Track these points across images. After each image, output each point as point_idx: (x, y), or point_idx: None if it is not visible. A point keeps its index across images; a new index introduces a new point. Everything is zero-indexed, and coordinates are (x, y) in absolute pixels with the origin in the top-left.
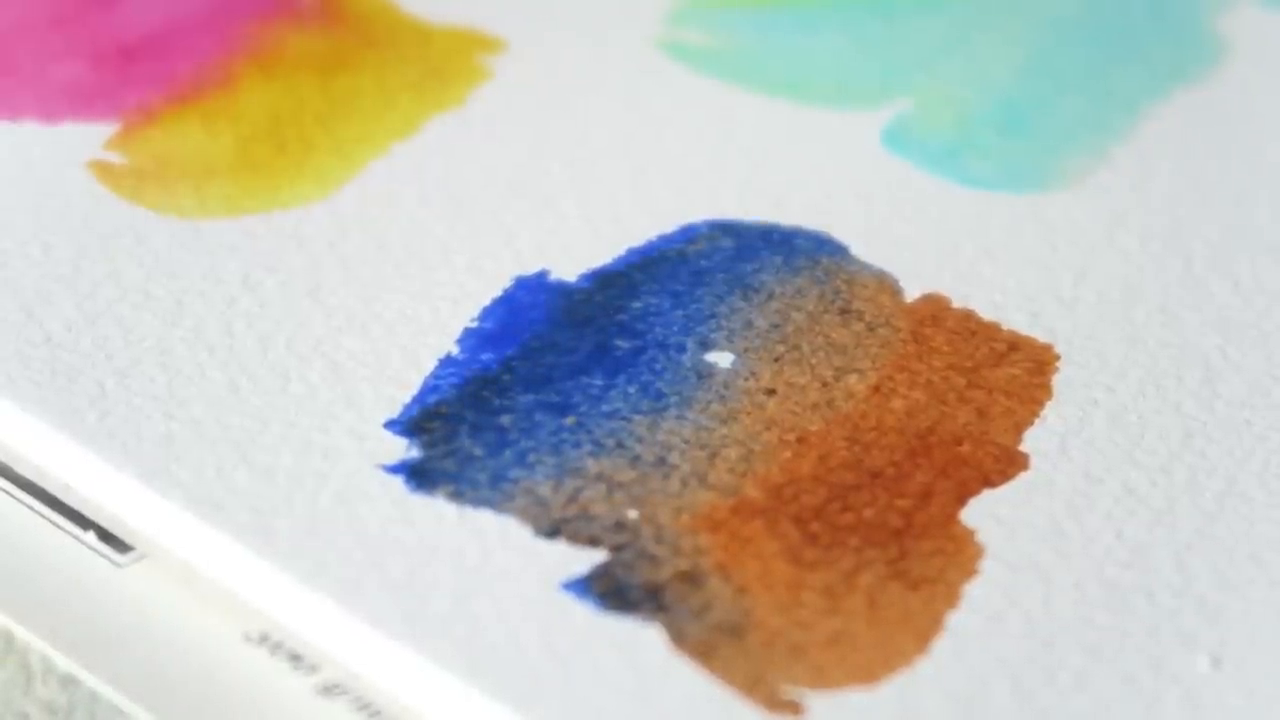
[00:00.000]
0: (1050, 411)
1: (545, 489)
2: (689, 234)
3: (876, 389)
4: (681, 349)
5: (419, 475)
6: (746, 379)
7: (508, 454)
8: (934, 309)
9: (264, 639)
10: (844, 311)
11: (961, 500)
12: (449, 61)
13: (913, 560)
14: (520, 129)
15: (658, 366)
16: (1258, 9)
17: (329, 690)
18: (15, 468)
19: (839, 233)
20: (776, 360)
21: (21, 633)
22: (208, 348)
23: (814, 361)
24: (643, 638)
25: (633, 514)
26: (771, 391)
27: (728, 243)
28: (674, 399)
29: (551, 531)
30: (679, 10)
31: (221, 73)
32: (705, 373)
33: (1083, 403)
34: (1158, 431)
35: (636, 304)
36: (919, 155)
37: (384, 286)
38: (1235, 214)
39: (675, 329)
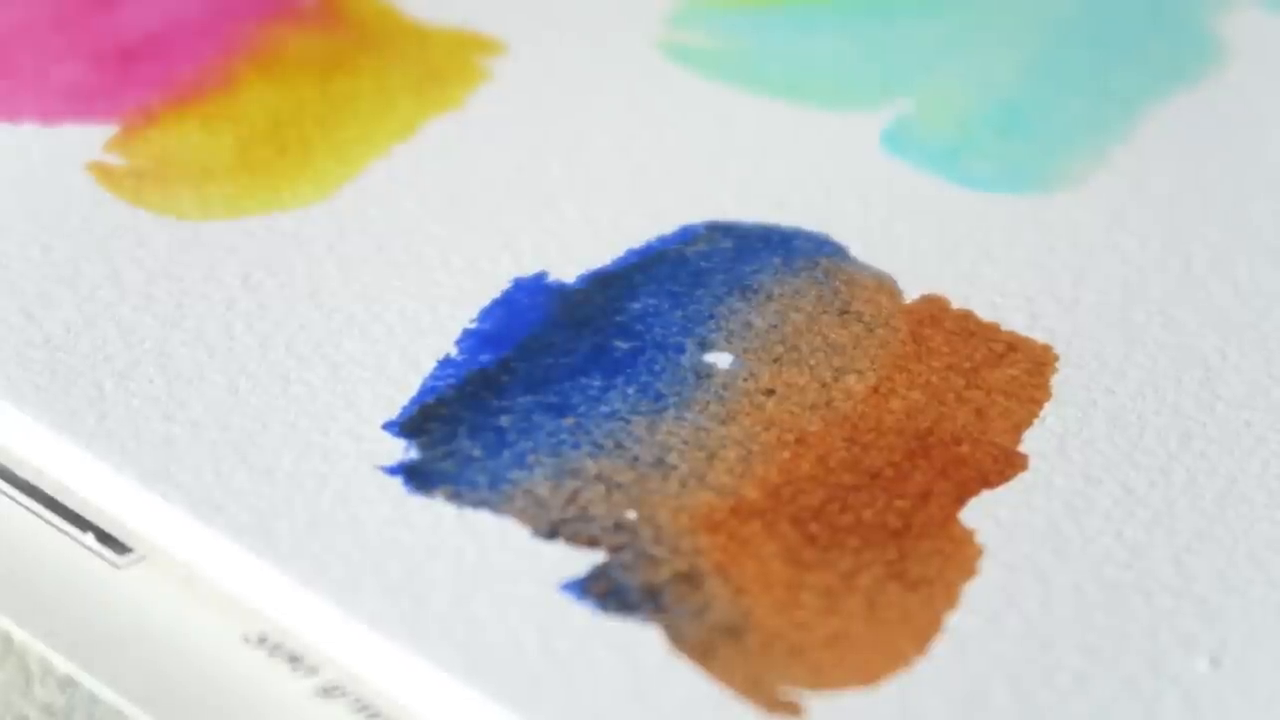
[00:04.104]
0: (1049, 412)
1: (544, 490)
2: (688, 235)
3: (875, 389)
4: (680, 349)
5: (418, 476)
6: (745, 379)
7: (506, 455)
8: (933, 309)
9: (263, 640)
10: (843, 312)
11: (960, 501)
12: (448, 63)
13: (912, 561)
14: (519, 130)
15: (656, 367)
16: (1258, 10)
17: (328, 692)
18: (14, 469)
19: (838, 233)
20: (775, 361)
21: (20, 634)
22: (207, 349)
23: (813, 362)
24: (642, 638)
25: (631, 515)
26: (770, 392)
27: (727, 243)
28: (673, 400)
29: (550, 532)
30: (679, 12)
31: (221, 74)
32: (704, 373)
33: (1082, 404)
34: (1157, 432)
35: (635, 305)
36: (918, 156)
37: (383, 288)
38: (1235, 215)
39: (674, 330)
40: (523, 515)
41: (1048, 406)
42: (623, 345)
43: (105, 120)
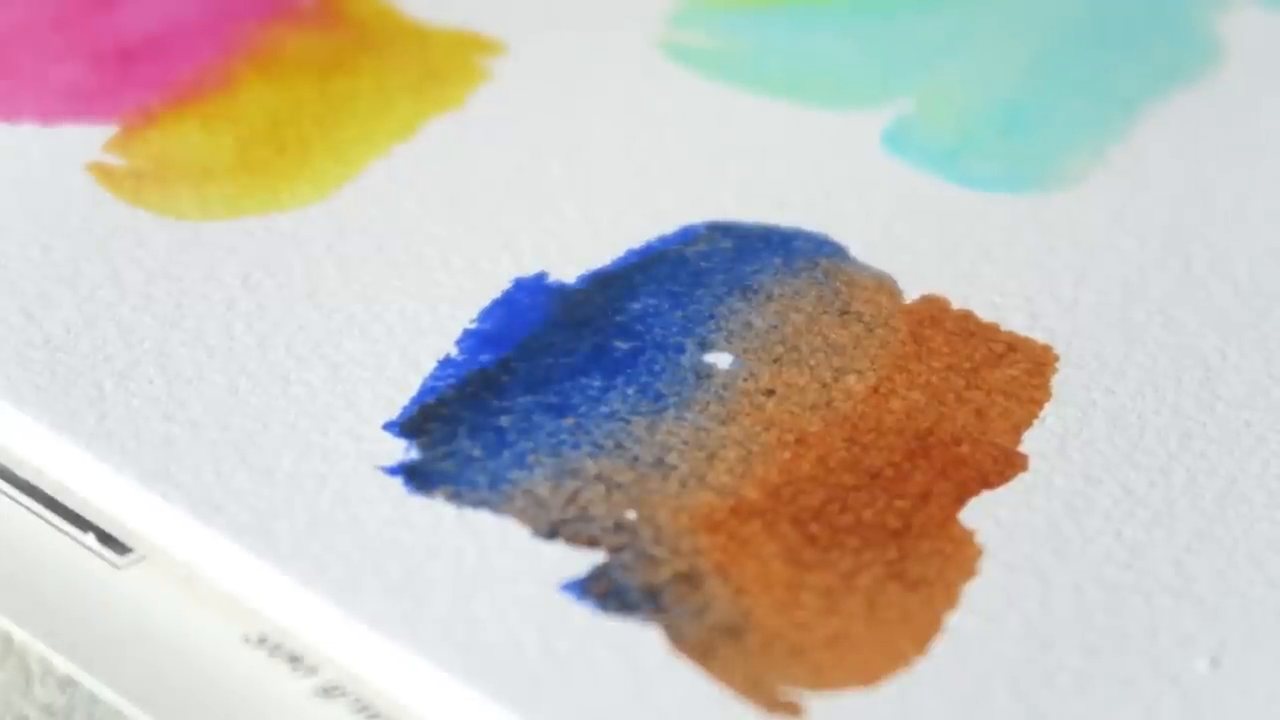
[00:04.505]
0: (1049, 412)
1: (544, 490)
2: (688, 235)
3: (875, 390)
4: (680, 350)
5: (418, 476)
6: (745, 380)
7: (506, 455)
8: (933, 310)
9: (263, 640)
10: (843, 312)
11: (960, 501)
12: (448, 63)
13: (911, 561)
14: (519, 130)
15: (656, 367)
16: (1257, 10)
17: (328, 692)
18: (15, 470)
19: (838, 233)
20: (775, 361)
21: (21, 634)
22: (207, 349)
23: (813, 362)
24: (642, 638)
25: (631, 515)
26: (770, 392)
27: (727, 243)
28: (673, 400)
29: (550, 532)
30: (679, 11)
31: (220, 74)
32: (704, 373)
33: (1082, 404)
34: (1156, 432)
35: (635, 305)
36: (919, 156)
37: (383, 288)
38: (1234, 215)
39: (674, 330)
40: (523, 515)
41: (1048, 407)
42: (623, 345)
43: (105, 120)
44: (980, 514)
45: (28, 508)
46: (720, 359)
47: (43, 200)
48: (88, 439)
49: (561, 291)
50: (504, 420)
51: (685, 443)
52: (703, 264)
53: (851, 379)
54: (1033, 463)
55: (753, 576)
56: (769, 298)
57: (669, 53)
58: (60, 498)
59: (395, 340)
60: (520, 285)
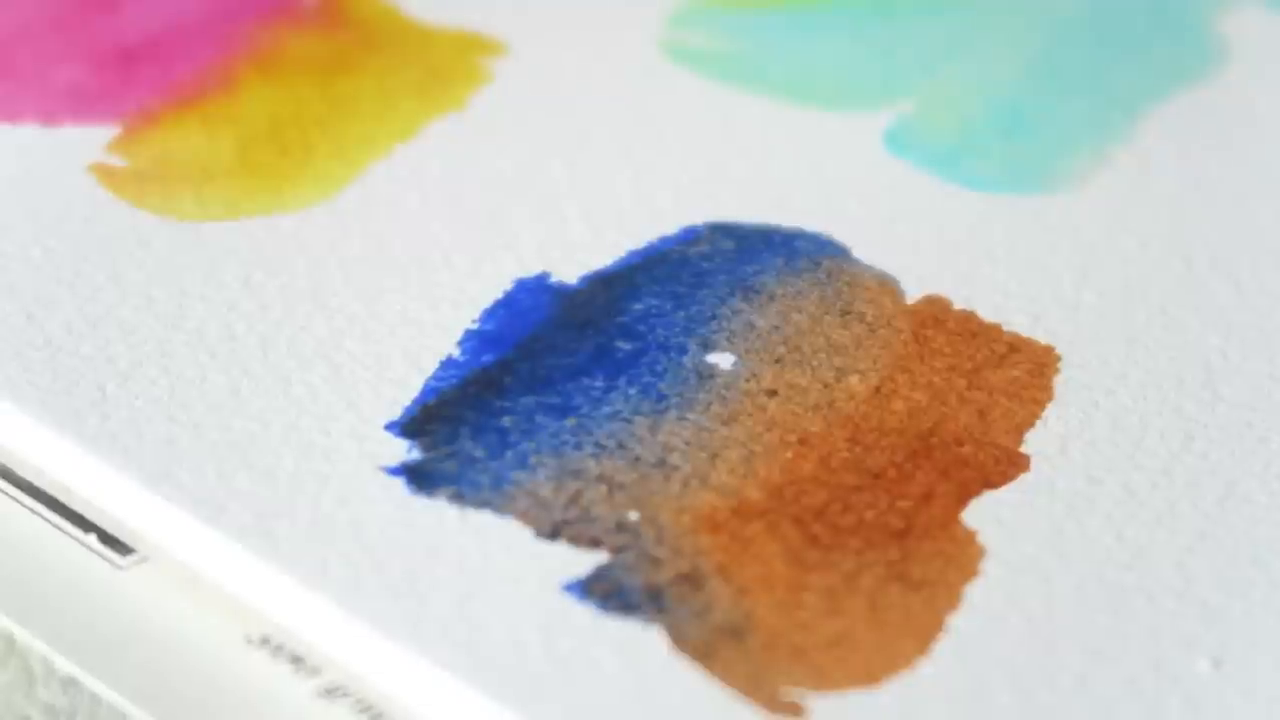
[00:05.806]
0: (1051, 413)
1: (546, 490)
2: (690, 235)
3: (877, 390)
4: (683, 350)
5: (420, 477)
6: (748, 380)
7: (509, 455)
8: (935, 310)
9: (265, 641)
10: (845, 313)
11: (962, 501)
12: (450, 64)
13: (914, 562)
14: (521, 131)
15: (659, 368)
16: (1259, 10)
17: (330, 693)
18: (17, 470)
19: (840, 234)
20: (778, 361)
21: (23, 635)
22: (209, 350)
23: (815, 363)
24: (643, 639)
25: (634, 515)
26: (773, 393)
27: (729, 244)
28: (675, 400)
29: (552, 533)
30: (680, 12)
31: (222, 75)
32: (706, 374)
33: (1084, 404)
34: (1158, 433)
35: (637, 305)
36: (920, 157)
37: (385, 288)
38: (1236, 215)
39: (676, 330)
40: (525, 516)
41: (1050, 407)
42: (625, 346)
43: (107, 121)
44: (982, 515)
45: (30, 509)
46: (722, 359)
47: (44, 201)
48: (90, 440)
49: (563, 292)
50: (506, 421)
51: (687, 443)
52: (705, 264)
53: (854, 379)
54: (1035, 463)
55: (755, 577)
56: (771, 298)
57: (670, 54)
58: (62, 498)
59: (397, 341)
60: (522, 286)
